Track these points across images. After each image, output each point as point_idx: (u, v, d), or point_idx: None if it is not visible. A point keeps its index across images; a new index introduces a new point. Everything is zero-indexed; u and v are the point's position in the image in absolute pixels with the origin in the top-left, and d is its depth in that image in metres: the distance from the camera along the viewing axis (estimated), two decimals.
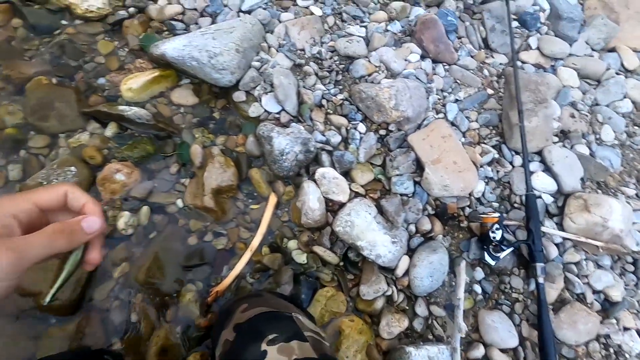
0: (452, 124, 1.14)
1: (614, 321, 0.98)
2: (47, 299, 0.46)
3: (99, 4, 1.06)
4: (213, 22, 1.12)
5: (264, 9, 1.16)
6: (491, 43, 1.25)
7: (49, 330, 0.79)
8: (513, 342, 0.92)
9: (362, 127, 1.08)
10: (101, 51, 1.06)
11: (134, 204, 0.92)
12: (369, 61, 1.15)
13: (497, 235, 0.92)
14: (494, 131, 1.16)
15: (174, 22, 1.10)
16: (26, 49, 1.02)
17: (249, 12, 1.15)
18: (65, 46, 1.04)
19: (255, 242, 0.93)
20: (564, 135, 1.18)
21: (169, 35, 1.09)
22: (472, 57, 1.23)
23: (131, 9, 1.10)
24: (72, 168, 0.88)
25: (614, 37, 1.31)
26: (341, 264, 0.95)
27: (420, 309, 0.93)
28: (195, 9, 1.12)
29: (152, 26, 1.10)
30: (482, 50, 1.25)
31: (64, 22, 1.07)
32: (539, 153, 1.13)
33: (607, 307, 1.00)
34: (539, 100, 1.13)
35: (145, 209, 0.91)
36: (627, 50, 1.31)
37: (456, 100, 1.17)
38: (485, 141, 1.14)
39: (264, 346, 0.57)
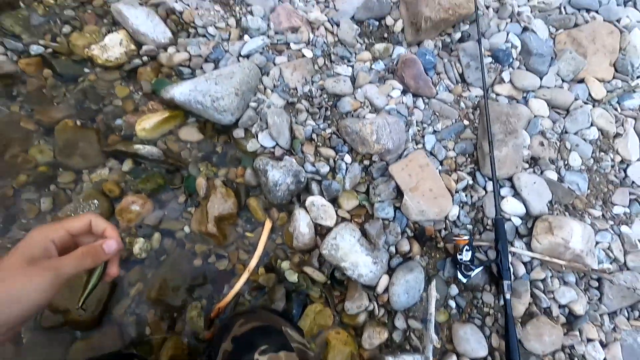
0: (431, 153, 1.26)
1: (577, 333, 1.08)
2: (80, 303, 0.60)
3: (117, 54, 1.22)
4: (216, 67, 1.26)
5: (261, 53, 1.30)
6: (467, 78, 1.38)
7: (75, 342, 0.92)
8: (483, 352, 1.02)
9: (348, 158, 1.21)
10: (118, 95, 1.21)
11: (147, 231, 1.05)
12: (355, 98, 1.29)
13: (466, 256, 1.04)
14: (469, 159, 1.28)
15: (181, 68, 1.26)
16: (55, 96, 1.17)
17: (247, 56, 1.29)
18: (88, 92, 1.19)
19: (253, 263, 1.06)
20: (534, 161, 1.30)
21: (177, 80, 1.25)
22: (449, 91, 1.36)
23: (145, 58, 1.25)
24: (95, 201, 1.02)
25: (582, 70, 1.43)
26: (328, 282, 1.07)
27: (399, 322, 1.05)
28: (200, 56, 1.27)
29: (162, 72, 1.26)
30: (459, 84, 1.38)
31: (86, 70, 1.22)
32: (510, 179, 1.24)
33: (572, 320, 1.11)
34: (509, 131, 1.25)
35: (157, 235, 1.05)
36: (594, 82, 1.42)
37: (434, 132, 1.30)
38: (461, 168, 1.26)
39: (256, 356, 0.70)
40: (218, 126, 1.21)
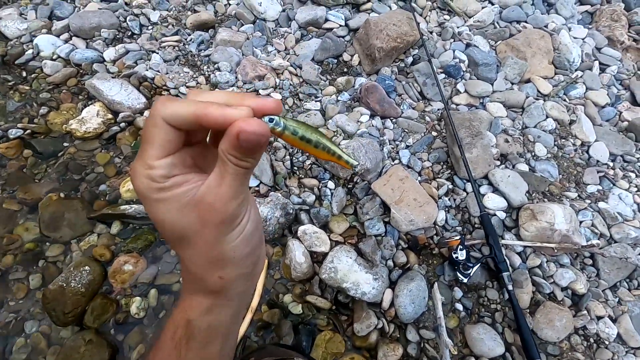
0: (408, 166, 1.32)
1: (585, 312, 1.09)
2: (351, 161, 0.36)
3: (95, 125, 1.27)
4: None
5: None
6: (426, 94, 1.49)
7: None
8: (500, 349, 1.01)
9: (331, 184, 1.25)
10: (100, 162, 1.24)
11: (142, 289, 1.03)
12: (327, 128, 1.36)
13: (461, 255, 1.06)
14: (444, 166, 1.35)
15: None
16: (36, 173, 1.19)
17: None
18: (69, 164, 1.22)
19: (254, 303, 1.04)
20: (504, 158, 1.38)
21: None
22: (413, 108, 1.46)
23: (122, 124, 1.31)
24: (87, 267, 1.01)
25: (526, 71, 1.57)
26: (333, 307, 1.06)
27: (411, 334, 1.03)
28: None
29: (140, 134, 1.30)
30: (421, 101, 1.49)
31: (65, 144, 1.26)
32: (486, 177, 1.31)
33: (577, 301, 1.12)
34: (475, 134, 1.34)
35: (153, 291, 1.03)
36: (539, 79, 1.56)
37: (407, 146, 1.37)
38: (439, 176, 1.32)
39: None
40: None
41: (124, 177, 1.21)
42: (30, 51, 1.43)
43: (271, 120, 0.30)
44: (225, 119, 0.28)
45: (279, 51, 1.57)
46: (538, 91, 1.55)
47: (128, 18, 1.56)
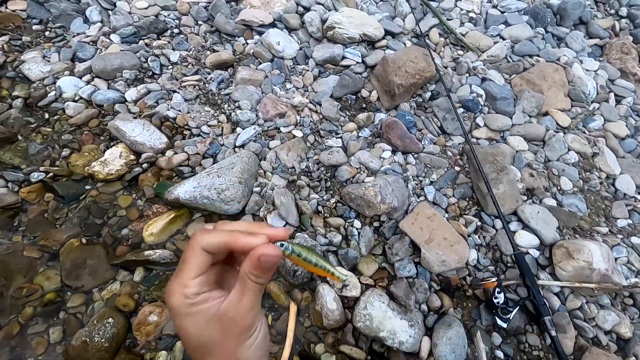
0: (434, 203, 1.30)
1: (634, 358, 1.03)
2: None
3: (117, 166, 1.25)
4: (215, 162, 1.32)
5: (255, 141, 1.38)
6: (447, 129, 1.49)
7: None
8: None
9: (357, 223, 1.22)
10: (122, 205, 1.22)
11: (168, 341, 0.98)
12: (350, 165, 1.35)
13: (500, 298, 1.02)
14: (470, 202, 1.33)
15: (181, 168, 1.30)
16: (57, 218, 1.17)
17: (242, 146, 1.36)
18: (91, 208, 1.19)
19: (286, 353, 0.99)
20: (530, 193, 1.35)
21: (178, 180, 1.28)
22: (434, 143, 1.46)
23: (144, 165, 1.29)
24: (110, 320, 0.96)
25: (543, 104, 1.58)
26: (368, 358, 1.00)
27: None
28: (198, 153, 1.33)
29: (163, 175, 1.29)
30: (441, 136, 1.48)
31: (87, 187, 1.24)
32: (515, 213, 1.28)
33: (622, 345, 1.06)
34: (499, 168, 1.32)
35: (179, 344, 0.98)
36: (557, 112, 1.57)
37: (431, 182, 1.35)
38: (466, 212, 1.30)
39: None
40: (224, 217, 1.21)
41: (147, 221, 1.18)
42: (52, 93, 1.44)
43: (282, 245, 0.39)
44: (250, 245, 0.37)
45: (297, 88, 1.59)
46: (557, 124, 1.55)
47: (149, 59, 1.58)
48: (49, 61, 1.54)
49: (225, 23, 1.73)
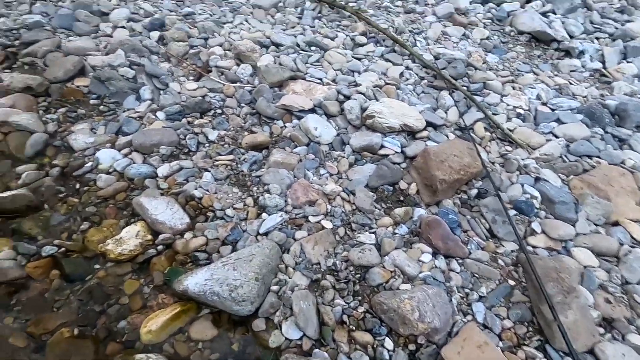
0: (484, 326, 1.07)
1: None
2: None
3: (131, 246, 1.17)
4: (234, 249, 1.20)
5: (280, 229, 1.27)
6: (497, 233, 1.30)
7: None
8: None
9: (389, 343, 1.01)
10: (126, 291, 1.10)
11: None
12: (384, 267, 1.18)
13: None
14: (530, 328, 1.08)
15: (197, 253, 1.19)
16: (57, 300, 1.07)
17: (266, 234, 1.25)
18: (93, 291, 1.09)
19: None
20: (608, 324, 1.09)
21: (192, 267, 1.16)
22: (482, 249, 1.27)
23: (160, 247, 1.20)
24: None
25: (612, 212, 1.37)
26: None
27: None
28: (218, 239, 1.23)
29: (177, 259, 1.19)
30: (490, 240, 1.30)
31: (96, 266, 1.16)
32: (592, 352, 1.01)
33: None
34: (566, 289, 1.09)
35: None
36: (630, 223, 1.35)
37: (480, 298, 1.13)
38: (525, 342, 1.05)
39: None
40: (235, 317, 1.05)
41: (148, 313, 1.04)
42: (89, 164, 1.46)
43: None
44: None
45: (331, 175, 1.51)
46: (632, 237, 1.32)
47: (187, 136, 1.60)
48: (94, 133, 1.61)
49: (266, 107, 1.76)
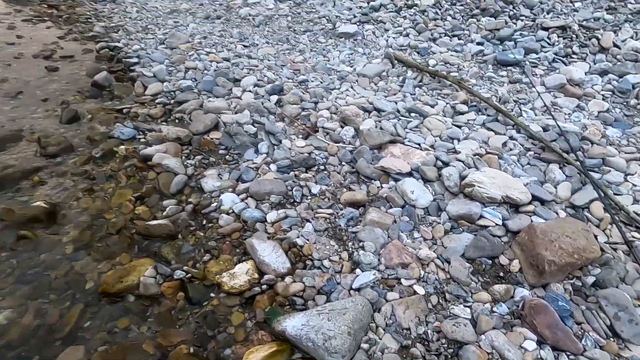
0: None
1: None
2: None
3: (241, 282, 1.34)
4: (328, 300, 1.28)
5: (372, 287, 1.31)
6: (620, 332, 1.14)
7: None
8: None
9: None
10: (233, 322, 1.25)
11: None
12: (480, 347, 1.12)
13: None
14: None
15: (295, 298, 1.30)
16: (179, 318, 1.26)
17: (358, 289, 1.30)
18: (208, 317, 1.26)
19: None
20: None
21: (289, 310, 1.26)
22: (600, 347, 1.12)
23: (264, 286, 1.35)
24: None
25: None
26: None
27: None
28: (314, 287, 1.33)
29: (277, 300, 1.31)
30: (612, 340, 1.14)
31: (212, 295, 1.34)
32: None
33: None
34: None
35: None
36: None
37: None
38: None
39: None
40: None
41: (249, 347, 1.16)
42: (215, 204, 1.74)
43: None
44: None
45: (425, 239, 1.52)
46: None
47: (294, 188, 1.80)
48: (221, 178, 1.91)
49: (365, 167, 1.89)
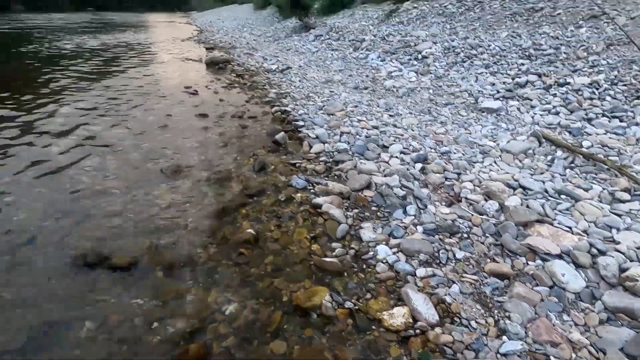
0: None
1: None
2: None
3: (398, 322, 1.63)
4: (476, 357, 1.46)
5: (519, 356, 1.44)
6: None
7: None
8: None
9: None
10: (392, 354, 1.53)
11: None
12: None
13: None
14: None
15: (445, 347, 1.52)
16: (348, 339, 1.61)
17: (505, 355, 1.45)
18: (370, 344, 1.58)
19: None
20: None
21: (438, 356, 1.49)
22: None
23: (417, 331, 1.61)
24: None
25: None
26: None
27: None
28: (462, 342, 1.53)
29: (428, 345, 1.55)
30: None
31: (373, 327, 1.66)
32: None
33: None
34: None
35: None
36: None
37: None
38: None
39: None
40: None
41: None
42: (371, 253, 2.12)
43: None
44: None
45: (576, 324, 1.57)
46: None
47: (440, 251, 2.06)
48: (375, 231, 2.30)
49: (510, 242, 2.03)
